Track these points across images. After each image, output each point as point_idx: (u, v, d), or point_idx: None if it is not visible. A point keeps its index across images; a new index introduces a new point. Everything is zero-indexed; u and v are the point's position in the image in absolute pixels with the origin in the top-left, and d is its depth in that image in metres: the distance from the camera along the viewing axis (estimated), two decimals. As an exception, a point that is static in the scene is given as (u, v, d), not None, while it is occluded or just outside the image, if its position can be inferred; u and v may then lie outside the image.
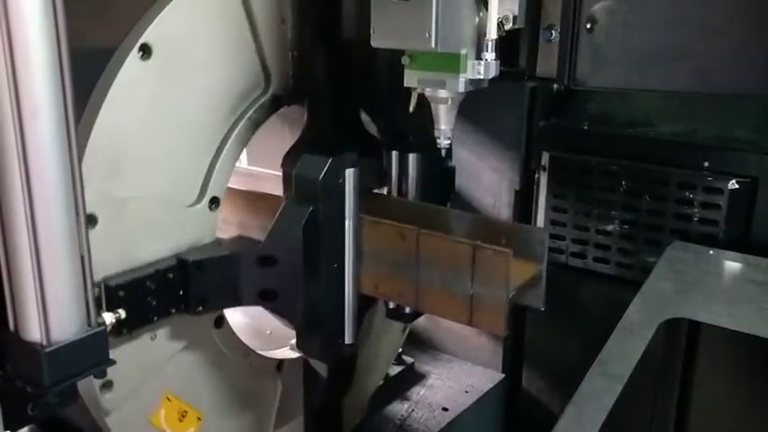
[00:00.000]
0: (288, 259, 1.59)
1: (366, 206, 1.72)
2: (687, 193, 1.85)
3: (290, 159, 1.66)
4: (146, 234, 1.45)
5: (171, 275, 1.46)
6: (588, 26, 1.96)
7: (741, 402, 1.61)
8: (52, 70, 1.00)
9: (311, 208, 1.58)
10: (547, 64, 2.03)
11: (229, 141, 1.57)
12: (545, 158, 2.06)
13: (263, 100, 1.59)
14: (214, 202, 1.57)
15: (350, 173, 1.64)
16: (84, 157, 1.29)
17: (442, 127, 1.63)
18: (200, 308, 1.52)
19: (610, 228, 1.98)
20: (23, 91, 0.98)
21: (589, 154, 1.99)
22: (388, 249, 1.69)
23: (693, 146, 1.85)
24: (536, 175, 2.10)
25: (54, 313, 1.07)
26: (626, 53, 1.94)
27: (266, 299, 1.61)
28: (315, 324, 1.69)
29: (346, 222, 1.68)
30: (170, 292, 1.47)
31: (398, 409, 2.16)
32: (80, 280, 1.10)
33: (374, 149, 1.80)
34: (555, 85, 2.05)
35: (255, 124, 1.61)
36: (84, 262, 1.11)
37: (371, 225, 1.70)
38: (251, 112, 1.59)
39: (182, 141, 1.49)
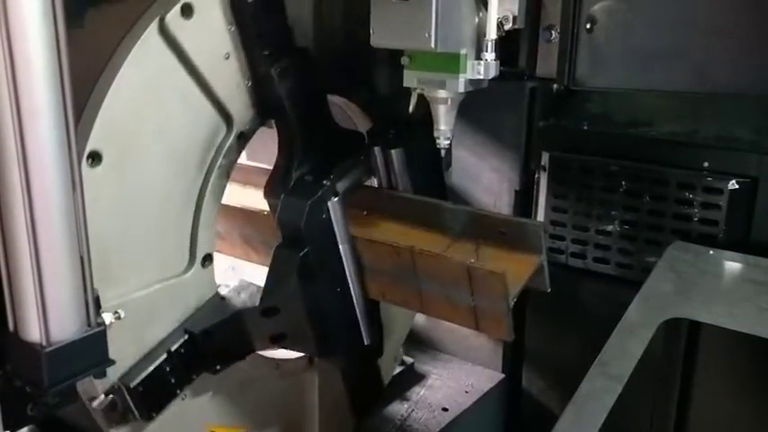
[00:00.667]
0: (289, 305, 1.62)
1: (357, 201, 1.72)
2: (687, 194, 1.84)
3: (271, 188, 1.66)
4: (149, 319, 1.48)
5: (183, 350, 1.50)
6: (588, 26, 1.96)
7: (741, 402, 1.61)
8: (52, 72, 1.00)
9: (301, 253, 1.59)
10: (546, 64, 2.03)
11: (206, 197, 1.54)
12: (545, 158, 2.05)
13: (229, 142, 1.56)
14: (206, 258, 1.57)
15: (333, 204, 1.64)
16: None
17: (442, 127, 1.62)
18: (218, 366, 1.57)
19: (610, 228, 1.98)
20: (23, 92, 0.99)
21: (589, 154, 1.98)
22: (387, 265, 1.69)
23: (693, 146, 1.85)
24: (536, 176, 2.10)
25: (53, 313, 1.07)
26: (626, 53, 1.94)
27: (277, 341, 1.66)
28: (330, 348, 1.74)
29: (341, 247, 1.68)
30: (186, 364, 1.52)
31: (398, 409, 2.16)
32: (79, 281, 1.10)
33: (358, 144, 1.79)
34: (555, 86, 2.05)
35: (227, 171, 1.58)
36: (84, 263, 1.11)
37: (367, 244, 1.70)
38: (220, 159, 1.55)
39: (160, 220, 1.47)
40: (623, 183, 1.93)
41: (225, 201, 1.65)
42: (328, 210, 1.64)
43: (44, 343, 1.07)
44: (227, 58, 1.50)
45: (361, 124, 1.90)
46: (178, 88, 1.44)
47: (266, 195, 1.68)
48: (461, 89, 1.54)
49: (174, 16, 1.38)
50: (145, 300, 1.46)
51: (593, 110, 2.03)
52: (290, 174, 1.64)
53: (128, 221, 1.40)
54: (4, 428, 1.11)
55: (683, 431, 1.68)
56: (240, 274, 1.99)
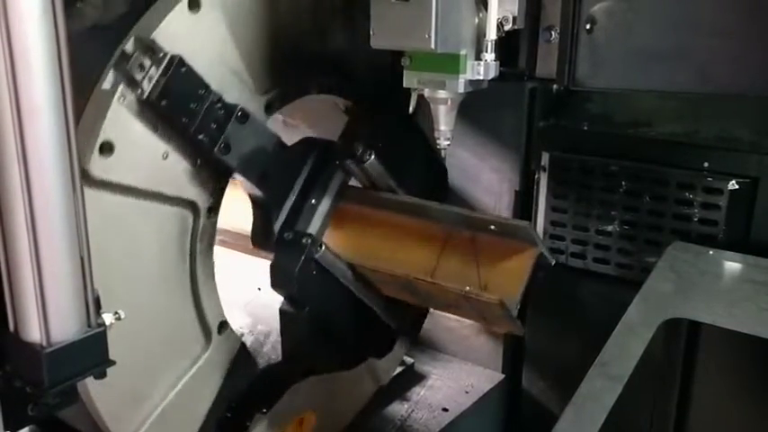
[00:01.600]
0: (309, 353, 1.71)
1: (348, 198, 1.72)
2: (687, 194, 1.84)
3: (256, 242, 1.69)
4: (191, 402, 1.56)
5: (230, 414, 1.61)
6: (588, 27, 1.96)
7: (741, 402, 1.61)
8: (52, 71, 1.00)
9: (304, 311, 1.63)
10: (546, 64, 2.04)
11: (199, 279, 1.54)
12: (545, 159, 2.05)
13: (201, 222, 1.52)
14: (221, 325, 1.60)
15: (321, 255, 1.64)
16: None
17: (442, 128, 1.62)
18: (265, 410, 1.66)
19: (610, 228, 1.98)
20: (23, 92, 0.98)
21: (589, 154, 1.98)
22: (391, 285, 1.70)
23: (693, 146, 1.85)
24: (536, 176, 2.10)
25: (54, 314, 1.07)
26: (625, 54, 1.94)
27: (312, 374, 1.77)
28: (364, 355, 1.82)
29: (342, 280, 1.71)
30: (237, 422, 1.63)
31: (398, 409, 2.16)
32: (80, 281, 1.10)
33: (330, 155, 1.75)
34: (554, 86, 2.05)
35: (210, 247, 1.56)
36: (84, 263, 1.10)
37: (366, 270, 1.71)
38: (198, 243, 1.52)
39: (163, 324, 1.50)
40: (623, 183, 1.93)
41: (227, 216, 1.65)
42: (318, 263, 1.63)
43: (44, 343, 1.07)
44: (166, 157, 1.41)
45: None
46: (132, 216, 1.38)
47: (254, 245, 1.70)
48: (461, 89, 1.53)
49: (95, 162, 1.28)
50: (182, 392, 1.52)
51: (593, 110, 2.03)
52: (270, 227, 1.63)
53: (135, 342, 1.41)
54: (5, 429, 1.10)
55: (682, 431, 1.67)
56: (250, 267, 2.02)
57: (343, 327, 1.74)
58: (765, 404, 1.56)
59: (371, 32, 1.50)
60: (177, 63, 1.33)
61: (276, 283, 1.63)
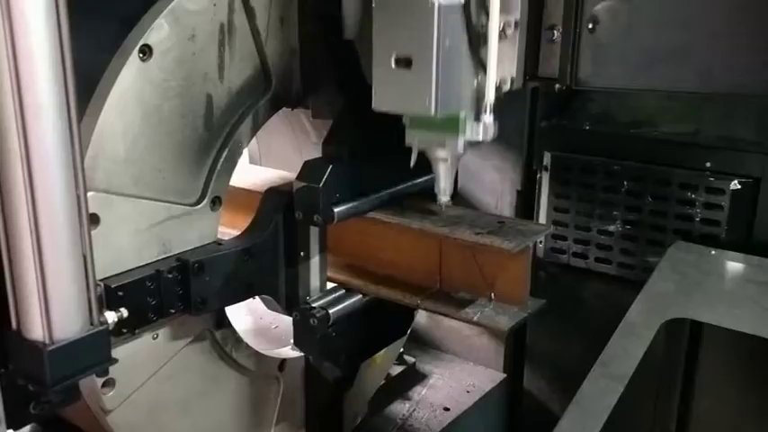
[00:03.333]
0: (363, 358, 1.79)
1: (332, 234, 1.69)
2: (689, 194, 1.84)
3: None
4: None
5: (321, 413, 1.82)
6: (590, 26, 1.96)
7: (743, 403, 1.61)
8: (55, 70, 1.00)
9: (341, 357, 1.68)
10: (549, 64, 2.03)
11: (245, 365, 1.61)
12: (547, 158, 2.05)
13: (218, 337, 1.52)
14: (282, 364, 1.72)
15: (335, 318, 1.62)
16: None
17: (442, 184, 1.59)
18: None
19: (612, 228, 1.98)
20: (26, 91, 0.98)
21: (591, 154, 1.99)
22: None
23: (696, 146, 1.85)
24: (538, 175, 2.10)
25: (56, 312, 1.07)
26: (628, 53, 1.93)
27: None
28: (410, 319, 1.86)
29: (361, 307, 1.69)
30: (334, 408, 1.82)
31: (400, 408, 2.16)
32: (82, 279, 1.10)
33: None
34: (557, 86, 2.05)
35: (235, 339, 1.57)
36: (87, 261, 1.10)
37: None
38: (224, 347, 1.54)
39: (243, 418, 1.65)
40: (625, 183, 1.93)
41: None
42: (335, 329, 1.62)
43: (47, 341, 1.07)
44: (156, 337, 1.40)
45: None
46: (160, 385, 1.42)
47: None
48: (461, 150, 1.50)
49: (103, 400, 1.31)
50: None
51: (595, 110, 2.03)
52: (279, 309, 1.64)
53: None
54: (7, 426, 1.11)
55: (684, 431, 1.68)
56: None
57: (379, 330, 1.75)
58: (767, 404, 1.56)
59: (374, 94, 1.46)
60: (112, 292, 1.25)
61: (305, 354, 1.69)
